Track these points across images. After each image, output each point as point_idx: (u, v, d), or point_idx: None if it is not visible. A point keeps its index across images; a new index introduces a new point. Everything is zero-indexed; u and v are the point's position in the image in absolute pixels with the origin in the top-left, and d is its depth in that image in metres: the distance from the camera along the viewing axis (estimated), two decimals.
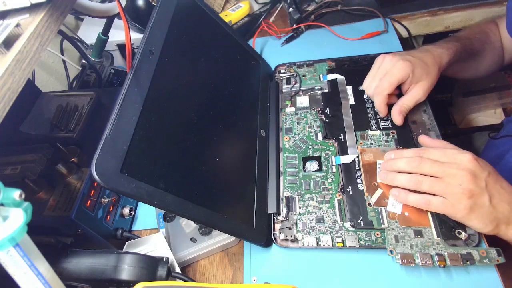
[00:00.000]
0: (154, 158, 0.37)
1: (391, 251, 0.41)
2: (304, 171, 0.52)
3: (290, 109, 0.60)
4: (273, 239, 0.47)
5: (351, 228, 0.45)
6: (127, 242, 0.48)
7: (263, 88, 0.62)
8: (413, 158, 0.44)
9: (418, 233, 0.43)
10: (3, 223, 0.26)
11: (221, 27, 0.57)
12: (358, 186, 0.48)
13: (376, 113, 0.55)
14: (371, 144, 0.52)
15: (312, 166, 0.52)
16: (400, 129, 0.52)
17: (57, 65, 0.82)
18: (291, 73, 0.65)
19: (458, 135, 0.85)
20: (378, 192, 0.46)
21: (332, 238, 0.45)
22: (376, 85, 0.53)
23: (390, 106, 0.53)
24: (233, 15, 0.78)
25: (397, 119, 0.52)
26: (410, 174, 0.43)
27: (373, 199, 0.46)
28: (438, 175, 0.41)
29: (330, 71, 0.64)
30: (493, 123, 0.85)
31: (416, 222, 0.43)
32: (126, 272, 0.38)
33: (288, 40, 0.74)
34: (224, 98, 0.52)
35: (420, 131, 0.53)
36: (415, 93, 0.51)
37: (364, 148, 0.51)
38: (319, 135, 0.55)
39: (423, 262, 0.40)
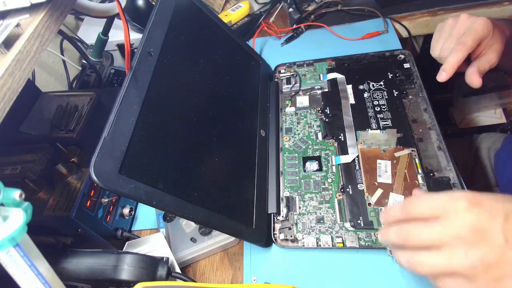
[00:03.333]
0: (153, 159, 0.37)
1: (391, 251, 0.41)
2: (304, 171, 0.52)
3: (290, 109, 0.60)
4: (273, 239, 0.47)
5: (351, 228, 0.45)
6: (127, 242, 0.48)
7: (263, 88, 0.62)
8: (400, 230, 0.31)
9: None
10: (3, 223, 0.26)
11: (220, 27, 0.57)
12: (358, 186, 0.48)
13: (376, 113, 0.55)
14: (371, 144, 0.52)
15: (312, 166, 0.52)
16: (400, 128, 0.52)
17: (57, 65, 0.82)
18: (291, 73, 0.65)
19: (458, 135, 0.85)
20: (378, 192, 0.46)
21: (332, 238, 0.45)
22: (457, 42, 0.46)
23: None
24: (233, 15, 0.78)
25: (476, 80, 0.45)
26: (407, 255, 0.31)
27: (373, 199, 0.46)
28: (434, 243, 0.28)
29: (330, 71, 0.64)
30: (493, 123, 0.85)
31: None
32: (126, 272, 0.38)
33: (288, 40, 0.74)
34: (224, 98, 0.52)
35: (420, 130, 0.53)
36: (491, 56, 0.45)
37: (365, 148, 0.51)
38: (319, 135, 0.55)
39: None
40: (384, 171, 0.48)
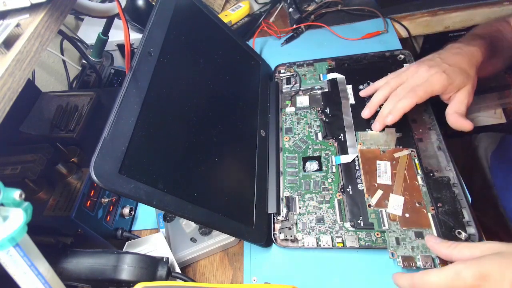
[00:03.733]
0: (153, 159, 0.37)
1: (392, 253, 0.41)
2: (304, 171, 0.52)
3: (290, 109, 0.60)
4: (273, 239, 0.47)
5: (351, 228, 0.45)
6: (127, 242, 0.48)
7: (263, 88, 0.62)
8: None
9: (419, 235, 0.42)
10: (3, 223, 0.26)
11: (220, 27, 0.57)
12: (358, 186, 0.48)
13: (376, 113, 0.55)
14: (371, 144, 0.52)
15: (312, 166, 0.52)
16: (399, 128, 0.52)
17: (57, 65, 0.82)
18: (291, 73, 0.65)
19: (458, 135, 0.84)
20: (379, 193, 0.46)
21: (332, 238, 0.45)
22: (410, 90, 0.48)
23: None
24: (233, 15, 0.78)
25: (465, 123, 0.46)
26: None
27: (373, 200, 0.46)
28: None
29: (330, 71, 0.64)
30: (493, 123, 0.84)
31: (417, 224, 0.43)
32: (126, 272, 0.38)
33: (288, 40, 0.74)
34: (224, 98, 0.52)
35: (420, 130, 0.52)
36: (462, 98, 0.47)
37: (364, 149, 0.51)
38: (319, 135, 0.55)
39: (424, 264, 0.40)
40: (384, 172, 0.48)
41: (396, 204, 0.45)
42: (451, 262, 0.36)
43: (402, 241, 0.42)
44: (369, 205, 0.46)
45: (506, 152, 0.64)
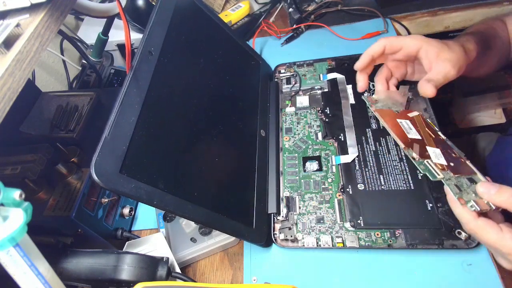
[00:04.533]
0: (153, 159, 0.37)
1: (461, 201, 0.37)
2: (304, 171, 0.52)
3: (290, 109, 0.60)
4: (273, 239, 0.47)
5: (351, 228, 0.45)
6: (127, 242, 0.48)
7: (263, 88, 0.62)
8: None
9: (472, 181, 0.39)
10: (3, 223, 0.26)
11: (221, 27, 0.57)
12: (358, 186, 0.48)
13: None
14: (382, 106, 0.48)
15: (312, 166, 0.52)
16: None
17: (57, 65, 0.82)
18: (291, 73, 0.65)
19: (458, 135, 0.85)
20: (416, 146, 0.42)
21: (332, 238, 0.45)
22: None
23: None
24: (233, 15, 0.78)
25: (425, 87, 0.43)
26: None
27: (414, 153, 0.41)
28: None
29: (330, 71, 0.64)
30: (493, 123, 0.85)
31: (464, 171, 0.40)
32: (126, 272, 0.38)
33: (288, 40, 0.74)
34: (224, 98, 0.52)
35: None
36: (441, 67, 0.44)
37: (379, 108, 0.47)
38: (319, 134, 0.55)
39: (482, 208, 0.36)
40: (409, 128, 0.45)
41: (436, 154, 0.41)
42: None
43: (461, 187, 0.39)
44: (413, 158, 0.41)
45: (499, 153, 0.64)
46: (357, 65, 0.49)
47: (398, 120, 0.46)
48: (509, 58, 0.61)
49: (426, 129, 0.46)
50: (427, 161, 0.41)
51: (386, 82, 0.50)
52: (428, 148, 0.42)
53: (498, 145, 0.67)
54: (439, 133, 0.46)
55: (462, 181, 0.39)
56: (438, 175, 0.39)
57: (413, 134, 0.44)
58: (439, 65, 0.44)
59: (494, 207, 0.36)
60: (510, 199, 0.34)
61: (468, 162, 0.42)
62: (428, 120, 0.48)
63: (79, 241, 0.43)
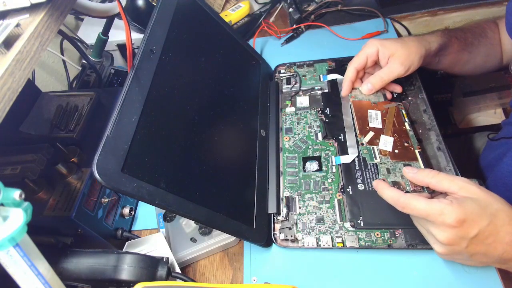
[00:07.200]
0: (155, 158, 0.37)
1: (383, 179, 0.44)
2: (304, 171, 0.52)
3: (290, 109, 0.60)
4: (273, 239, 0.47)
5: (351, 228, 0.45)
6: (127, 242, 0.48)
7: (263, 88, 0.62)
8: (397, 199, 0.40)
9: (408, 166, 0.45)
10: (3, 223, 0.26)
11: (222, 27, 0.57)
12: (358, 186, 0.48)
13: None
14: (362, 98, 0.55)
15: (312, 166, 0.52)
16: None
17: (57, 65, 0.82)
18: (291, 73, 0.65)
19: (458, 135, 0.85)
20: (370, 134, 0.50)
21: (332, 238, 0.45)
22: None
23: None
24: (233, 15, 0.78)
25: (362, 88, 0.54)
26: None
27: (365, 139, 0.49)
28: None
29: (330, 71, 0.64)
30: (493, 123, 0.84)
31: (405, 158, 0.47)
32: (126, 272, 0.38)
33: (288, 40, 0.74)
34: (224, 97, 0.52)
35: (420, 131, 0.53)
36: (391, 65, 0.52)
37: (356, 100, 0.55)
38: (319, 135, 0.55)
39: (414, 188, 0.43)
40: (375, 118, 0.52)
41: (386, 142, 0.49)
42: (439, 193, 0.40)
43: (392, 171, 0.45)
44: (362, 144, 0.49)
45: (488, 154, 0.65)
46: (343, 94, 0.57)
47: (369, 111, 0.53)
48: (502, 62, 0.62)
49: (394, 119, 0.52)
50: (373, 147, 0.48)
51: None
52: (382, 136, 0.50)
53: (486, 149, 0.68)
54: (406, 124, 0.52)
55: (397, 166, 0.46)
56: (375, 158, 0.47)
57: (376, 124, 0.52)
58: (389, 64, 0.52)
59: (411, 188, 0.43)
60: (426, 178, 0.39)
61: (416, 152, 0.48)
62: (403, 111, 0.53)
63: (79, 241, 0.43)
